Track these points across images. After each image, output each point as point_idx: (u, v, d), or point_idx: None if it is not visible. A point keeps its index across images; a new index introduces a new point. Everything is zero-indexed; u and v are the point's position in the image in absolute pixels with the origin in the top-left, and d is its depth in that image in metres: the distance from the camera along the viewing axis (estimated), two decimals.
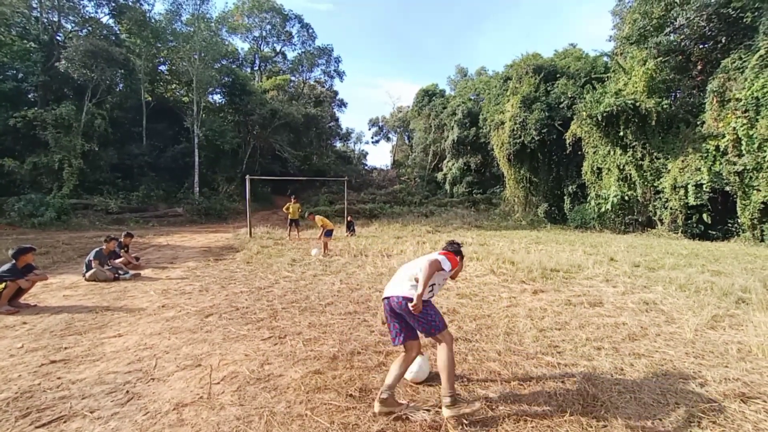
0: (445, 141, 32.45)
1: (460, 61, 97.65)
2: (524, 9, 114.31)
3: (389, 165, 49.27)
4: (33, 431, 2.33)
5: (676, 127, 16.08)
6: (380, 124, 52.16)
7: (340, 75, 42.36)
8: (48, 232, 15.39)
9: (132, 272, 7.10)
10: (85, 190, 20.49)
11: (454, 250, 2.90)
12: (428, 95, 38.48)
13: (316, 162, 34.17)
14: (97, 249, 6.86)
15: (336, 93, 43.45)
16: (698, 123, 15.16)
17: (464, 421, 2.35)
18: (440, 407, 2.46)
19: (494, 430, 2.33)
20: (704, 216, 14.48)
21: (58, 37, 22.53)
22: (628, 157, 16.61)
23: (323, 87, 42.16)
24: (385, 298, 2.72)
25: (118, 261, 7.38)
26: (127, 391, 2.80)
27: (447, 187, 32.33)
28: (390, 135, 52.47)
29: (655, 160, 15.95)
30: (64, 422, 2.41)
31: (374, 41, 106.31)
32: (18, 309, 4.86)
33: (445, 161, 33.58)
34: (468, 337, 3.87)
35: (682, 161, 14.86)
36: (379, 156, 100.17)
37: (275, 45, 40.58)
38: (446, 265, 2.62)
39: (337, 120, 43.92)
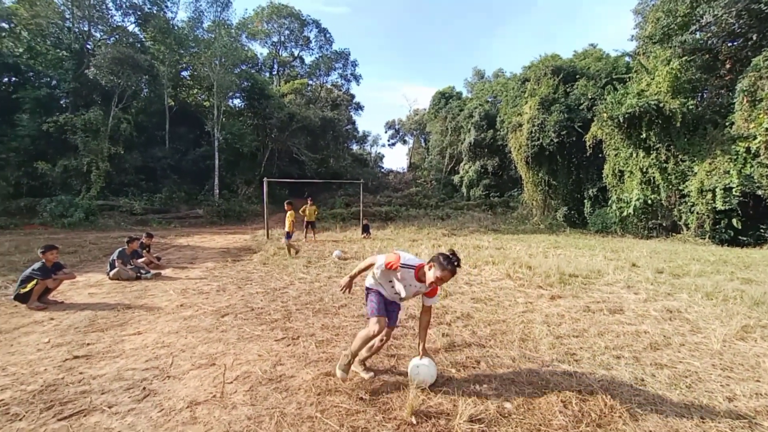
0: (462, 143, 32.20)
1: (476, 63, 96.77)
2: (542, 10, 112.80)
3: (405, 168, 49.23)
4: (55, 423, 2.41)
5: (702, 128, 15.51)
6: (397, 126, 52.27)
7: (357, 78, 42.71)
8: (77, 231, 16.02)
9: (153, 272, 7.30)
10: (111, 191, 21.27)
11: (434, 257, 2.72)
12: (445, 98, 38.32)
13: (333, 165, 34.47)
14: (120, 249, 7.09)
15: (353, 96, 43.79)
16: (727, 124, 14.58)
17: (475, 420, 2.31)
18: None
19: None
20: (734, 221, 13.89)
21: (87, 46, 23.54)
22: (652, 159, 16.09)
23: (340, 90, 42.55)
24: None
25: (140, 261, 7.60)
26: (144, 388, 2.87)
27: (463, 190, 32.05)
28: (406, 138, 52.52)
29: (680, 162, 15.41)
30: (84, 416, 2.49)
31: (391, 44, 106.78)
32: (47, 305, 5.07)
33: (461, 164, 33.31)
34: (482, 343, 3.81)
35: (710, 164, 14.31)
36: (396, 159, 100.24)
37: (293, 50, 41.26)
38: (380, 262, 2.87)
39: (353, 123, 44.24)
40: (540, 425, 2.39)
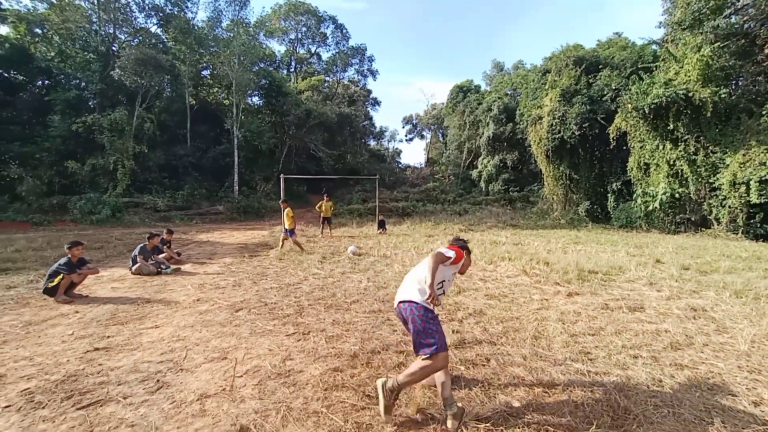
0: (480, 138, 31.70)
1: (496, 55, 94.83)
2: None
3: (423, 163, 48.90)
4: (74, 412, 2.51)
5: (736, 117, 14.70)
6: (414, 121, 51.92)
7: (374, 74, 42.62)
8: (104, 228, 16.68)
9: (173, 267, 7.52)
10: (136, 189, 22.01)
11: (459, 244, 2.87)
12: (463, 91, 37.76)
13: (350, 161, 34.59)
14: (142, 245, 7.32)
15: (369, 92, 43.75)
16: (763, 113, 13.76)
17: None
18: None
19: None
20: None
21: (113, 48, 24.31)
22: (680, 151, 15.38)
23: (357, 86, 42.55)
24: (396, 306, 2.64)
25: (161, 256, 7.84)
26: (158, 380, 2.95)
27: (482, 184, 31.59)
28: (424, 133, 52.14)
29: (710, 154, 14.67)
30: (101, 406, 2.59)
31: (408, 38, 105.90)
32: (72, 299, 5.29)
33: (480, 158, 32.82)
34: (493, 340, 3.74)
35: (744, 155, 13.56)
36: (413, 154, 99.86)
37: (310, 46, 41.48)
38: (449, 253, 2.59)
39: (370, 119, 44.20)
40: (548, 425, 2.33)
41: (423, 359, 2.34)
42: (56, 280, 5.19)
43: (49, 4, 23.31)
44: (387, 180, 33.57)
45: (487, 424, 2.33)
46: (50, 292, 5.23)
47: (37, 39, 24.15)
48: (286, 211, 10.10)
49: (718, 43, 15.19)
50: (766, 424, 2.37)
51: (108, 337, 3.91)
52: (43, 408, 2.56)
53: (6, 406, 2.57)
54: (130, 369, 3.16)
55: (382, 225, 14.98)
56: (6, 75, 21.92)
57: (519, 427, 2.32)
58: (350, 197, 28.64)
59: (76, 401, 2.65)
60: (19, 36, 23.25)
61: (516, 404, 2.56)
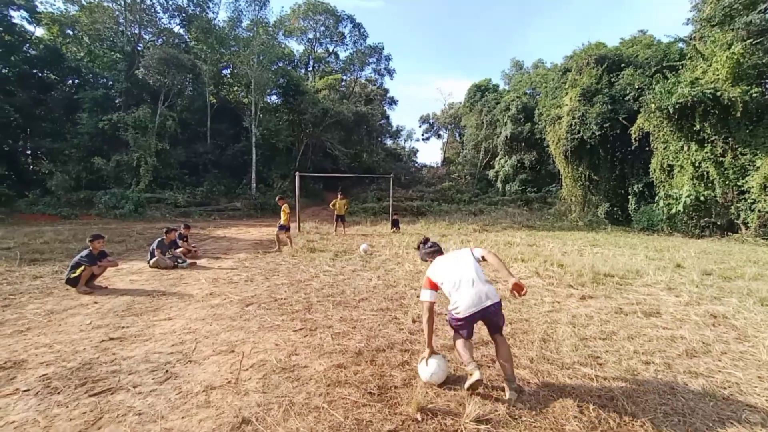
0: (498, 137, 31.28)
1: (515, 54, 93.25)
2: None
3: (439, 162, 48.63)
4: (86, 399, 2.61)
5: None
6: (431, 121, 51.62)
7: (390, 73, 42.67)
8: (126, 222, 17.26)
9: (189, 261, 7.72)
10: (157, 185, 22.67)
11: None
12: (480, 90, 37.35)
13: (366, 159, 34.70)
14: (160, 239, 7.54)
15: (386, 91, 43.81)
16: None
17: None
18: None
19: None
20: None
21: (138, 48, 25.10)
22: (706, 153, 14.80)
23: (374, 85, 42.65)
24: (481, 309, 2.75)
25: (178, 250, 8.05)
26: (167, 371, 3.04)
27: (499, 185, 31.19)
28: (441, 132, 51.77)
29: (739, 156, 14.06)
30: (111, 394, 2.68)
31: (425, 37, 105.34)
32: (92, 290, 5.50)
33: (497, 158, 32.40)
34: None
35: None
36: (430, 153, 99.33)
37: (328, 46, 41.81)
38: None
39: (387, 118, 44.26)
40: (551, 429, 2.29)
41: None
42: (78, 271, 5.39)
43: (80, 6, 24.26)
44: (402, 179, 33.52)
45: (488, 426, 2.30)
46: (72, 282, 5.44)
47: (68, 40, 25.19)
48: (283, 207, 10.10)
49: (751, 40, 14.52)
50: None
51: (123, 327, 4.05)
52: (59, 393, 2.67)
53: (25, 390, 2.69)
54: (142, 359, 3.26)
55: (395, 224, 14.99)
56: (40, 75, 22.96)
57: (521, 431, 2.28)
58: (365, 196, 28.73)
59: (88, 388, 2.75)
60: (52, 37, 24.28)
61: (519, 407, 2.52)
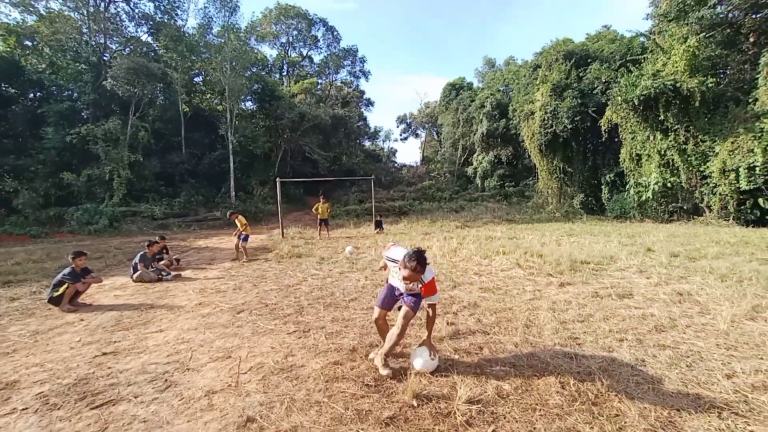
0: (474, 134, 31.91)
1: (487, 52, 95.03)
2: None
3: (419, 161, 49.10)
4: (88, 412, 2.64)
5: (724, 106, 14.95)
6: (408, 120, 52.05)
7: (366, 75, 42.75)
8: (102, 238, 16.74)
9: (173, 273, 7.64)
10: (132, 198, 22.02)
11: (403, 258, 2.95)
12: (455, 89, 37.97)
13: (346, 162, 34.70)
14: (142, 252, 7.44)
15: (362, 93, 43.88)
16: (750, 100, 14.05)
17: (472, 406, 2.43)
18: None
19: (502, 417, 2.38)
20: (760, 201, 13.38)
21: (104, 58, 24.34)
22: (670, 141, 15.62)
23: (350, 88, 42.69)
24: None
25: (161, 263, 7.96)
26: (166, 380, 3.09)
27: (478, 181, 31.80)
28: (418, 131, 52.26)
29: (700, 143, 14.91)
30: (113, 405, 2.72)
31: (399, 38, 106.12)
32: (77, 308, 5.41)
33: (474, 155, 33.03)
34: (486, 330, 3.90)
35: (732, 143, 13.80)
36: (409, 153, 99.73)
37: (302, 49, 41.55)
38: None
39: (365, 119, 44.33)
40: (536, 405, 2.49)
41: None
42: (61, 290, 5.30)
43: (38, 16, 23.33)
44: (383, 180, 33.71)
45: (479, 406, 2.48)
46: (55, 301, 5.34)
47: (27, 51, 24.15)
48: (238, 219, 9.97)
49: (704, 34, 15.45)
50: (736, 392, 2.54)
51: (114, 342, 4.04)
52: (59, 409, 2.69)
53: (23, 409, 2.70)
54: (139, 371, 3.30)
55: (379, 225, 15.13)
56: None
57: (509, 407, 2.47)
58: (347, 198, 28.76)
59: (89, 402, 2.78)
60: (9, 49, 23.22)
61: (506, 387, 2.72)
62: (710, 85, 14.67)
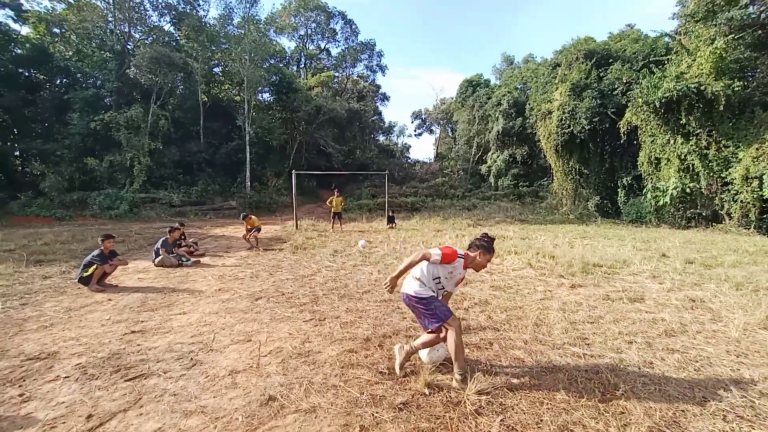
0: (490, 132, 31.64)
1: (506, 49, 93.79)
2: None
3: (432, 158, 48.88)
4: (123, 383, 2.86)
5: (750, 111, 14.55)
6: (423, 116, 51.82)
7: (383, 69, 42.66)
8: (122, 222, 17.29)
9: (193, 259, 7.92)
10: (151, 185, 22.60)
11: (478, 244, 3.02)
12: (472, 86, 37.62)
13: (360, 156, 34.82)
14: (164, 238, 7.72)
15: (378, 87, 43.81)
16: None
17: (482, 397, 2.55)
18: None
19: (510, 408, 2.49)
20: None
21: (128, 46, 24.89)
22: (691, 145, 15.30)
23: (366, 81, 42.68)
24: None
25: (181, 249, 8.24)
26: (191, 359, 3.29)
27: (491, 179, 31.61)
28: (433, 127, 52.01)
29: (723, 148, 14.57)
30: (145, 378, 2.93)
31: (413, 31, 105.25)
32: (104, 288, 5.69)
33: (489, 153, 32.80)
34: (496, 327, 4.00)
35: (757, 149, 13.46)
36: (423, 149, 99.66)
37: (320, 42, 41.64)
38: (435, 253, 2.87)
39: (379, 114, 44.27)
40: (544, 398, 2.59)
41: (428, 332, 2.99)
42: (90, 270, 5.59)
43: (67, 4, 23.96)
44: (396, 175, 33.76)
45: (488, 397, 2.60)
46: (84, 281, 5.63)
47: (56, 39, 24.88)
48: (249, 222, 10.40)
49: (732, 35, 14.99)
50: (743, 397, 2.60)
51: (142, 321, 4.28)
52: (97, 379, 2.91)
53: (66, 377, 2.93)
54: (166, 349, 3.51)
55: (391, 220, 15.26)
56: (27, 75, 22.67)
57: (517, 400, 2.59)
58: (360, 192, 28.93)
59: (123, 374, 3.00)
60: (39, 36, 23.97)
61: (515, 381, 2.83)
62: (736, 89, 14.28)
